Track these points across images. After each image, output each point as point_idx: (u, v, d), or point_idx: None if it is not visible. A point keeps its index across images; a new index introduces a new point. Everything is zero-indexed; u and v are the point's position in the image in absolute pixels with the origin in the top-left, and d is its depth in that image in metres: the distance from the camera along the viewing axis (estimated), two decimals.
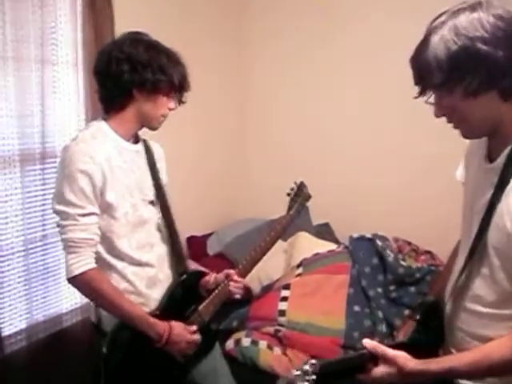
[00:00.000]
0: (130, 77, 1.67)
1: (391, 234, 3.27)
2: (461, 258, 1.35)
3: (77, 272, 1.62)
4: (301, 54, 3.69)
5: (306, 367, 1.20)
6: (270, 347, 2.53)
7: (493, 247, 1.20)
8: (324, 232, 3.62)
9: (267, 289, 2.98)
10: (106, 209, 1.67)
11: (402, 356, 1.22)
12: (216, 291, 1.91)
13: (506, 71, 1.12)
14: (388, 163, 3.47)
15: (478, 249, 1.24)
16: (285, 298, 2.73)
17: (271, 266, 3.30)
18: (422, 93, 1.23)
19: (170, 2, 3.21)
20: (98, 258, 1.70)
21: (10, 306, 2.45)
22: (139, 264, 1.78)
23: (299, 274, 2.88)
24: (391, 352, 1.23)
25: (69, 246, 1.63)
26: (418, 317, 1.51)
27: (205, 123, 3.67)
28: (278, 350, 2.53)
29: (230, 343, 2.58)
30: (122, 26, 2.55)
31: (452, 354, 1.33)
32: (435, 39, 1.15)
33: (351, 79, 3.51)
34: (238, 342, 2.57)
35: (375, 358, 1.24)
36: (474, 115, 1.20)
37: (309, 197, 2.09)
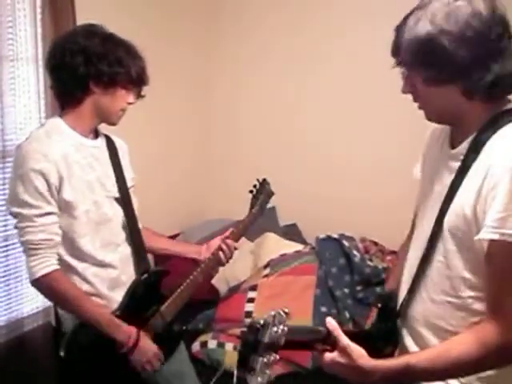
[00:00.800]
0: (86, 69, 1.61)
1: (358, 235, 3.28)
2: (416, 248, 1.33)
3: (39, 274, 1.58)
4: (268, 52, 3.65)
5: (282, 315, 1.17)
6: (236, 349, 2.49)
7: (449, 232, 1.19)
8: (291, 233, 3.60)
9: (234, 290, 2.95)
10: (65, 207, 1.62)
11: (356, 349, 1.13)
12: (178, 290, 1.86)
13: (466, 71, 1.11)
14: (355, 163, 3.46)
15: (437, 234, 1.23)
16: (252, 300, 2.71)
17: (238, 267, 3.27)
18: (398, 64, 1.23)
19: None
20: (59, 260, 1.64)
21: None
22: (101, 265, 1.73)
23: (266, 275, 2.85)
24: (345, 340, 1.14)
25: (29, 249, 1.58)
26: (379, 305, 1.48)
27: (170, 121, 3.62)
28: None
29: (196, 345, 2.55)
30: (84, 20, 2.50)
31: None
32: (413, 19, 1.15)
33: (318, 78, 3.49)
34: (204, 344, 2.55)
35: (333, 342, 1.15)
36: (434, 102, 1.21)
37: (271, 193, 2.05)
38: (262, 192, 2.02)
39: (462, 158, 1.20)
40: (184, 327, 2.01)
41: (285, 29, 3.56)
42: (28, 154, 1.56)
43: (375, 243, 3.15)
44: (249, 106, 3.83)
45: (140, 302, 1.83)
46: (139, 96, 1.78)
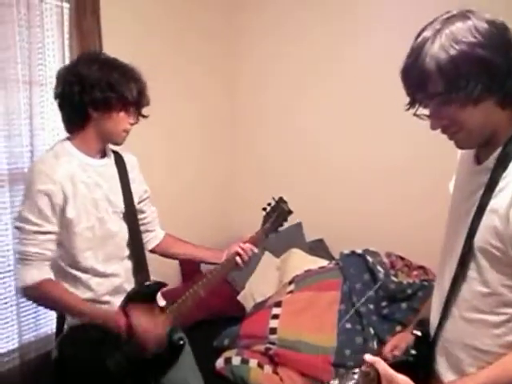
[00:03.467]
0: (82, 97, 1.69)
1: (385, 249, 3.26)
2: (447, 267, 1.32)
3: (30, 283, 1.66)
4: (294, 66, 3.69)
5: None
6: (260, 366, 2.51)
7: (481, 248, 1.18)
8: (318, 248, 3.60)
9: (259, 306, 2.97)
10: (67, 225, 1.71)
11: (403, 379, 1.12)
12: (176, 304, 1.88)
13: (505, 77, 1.11)
14: (383, 179, 3.43)
15: (468, 252, 1.22)
16: (276, 316, 2.71)
17: (264, 283, 3.29)
18: (412, 104, 1.20)
19: (159, 18, 3.21)
20: (62, 271, 1.75)
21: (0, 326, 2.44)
22: (104, 275, 1.81)
23: (291, 291, 2.86)
24: (390, 371, 1.14)
25: (21, 259, 1.68)
26: (419, 333, 1.46)
27: (193, 137, 3.68)
28: (268, 369, 2.51)
29: (220, 362, 2.56)
30: (110, 44, 2.59)
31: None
32: (435, 47, 1.12)
33: (345, 91, 3.48)
34: (228, 360, 2.55)
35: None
36: (473, 124, 1.17)
37: (289, 212, 2.04)
38: (275, 210, 2.02)
39: (489, 173, 1.19)
40: (182, 341, 2.00)
41: (308, 27, 3.56)
42: (35, 174, 1.66)
43: (401, 258, 3.12)
44: (275, 121, 3.84)
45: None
46: (141, 116, 1.83)
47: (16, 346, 2.52)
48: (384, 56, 3.03)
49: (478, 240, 1.19)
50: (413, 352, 1.43)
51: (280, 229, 2.08)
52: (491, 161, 1.20)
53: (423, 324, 1.49)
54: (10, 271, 2.45)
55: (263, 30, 3.78)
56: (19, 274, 1.69)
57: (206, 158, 3.82)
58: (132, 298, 1.82)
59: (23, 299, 2.47)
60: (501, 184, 1.15)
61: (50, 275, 1.71)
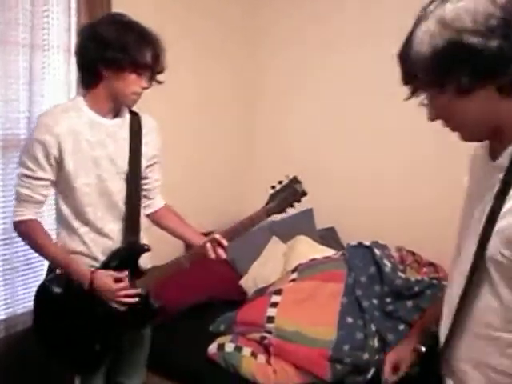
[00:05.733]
0: (94, 54, 1.72)
1: (397, 243, 3.12)
2: (458, 277, 1.19)
3: (17, 219, 1.82)
4: (317, 50, 3.57)
5: None
6: (253, 355, 2.41)
7: (491, 259, 1.07)
8: (328, 237, 3.48)
9: (260, 292, 2.86)
10: (66, 178, 1.79)
11: None
12: (158, 267, 1.97)
13: (503, 63, 0.97)
14: (401, 171, 3.31)
15: (479, 263, 1.10)
16: (275, 304, 2.60)
17: (268, 269, 3.19)
18: (413, 93, 1.09)
19: None
20: (64, 221, 1.87)
21: None
22: (100, 233, 1.89)
23: (293, 280, 2.74)
24: None
25: (16, 197, 1.83)
26: (423, 348, 1.36)
27: (214, 115, 3.59)
28: (262, 358, 2.41)
29: (212, 347, 2.47)
30: (120, 9, 2.46)
31: None
32: (419, 33, 1.01)
33: (363, 82, 3.36)
34: (221, 346, 2.45)
35: None
36: (470, 116, 1.05)
37: (302, 193, 1.84)
38: (285, 190, 1.85)
39: (503, 171, 1.07)
40: (159, 304, 2.05)
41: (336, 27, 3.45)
42: (37, 125, 1.77)
43: (412, 253, 2.97)
44: (295, 104, 3.74)
45: (117, 268, 1.88)
46: (154, 81, 1.83)
47: (2, 317, 2.45)
48: None
49: (490, 249, 1.07)
50: (416, 370, 1.30)
51: (289, 214, 1.92)
52: (505, 158, 1.07)
53: (428, 336, 1.37)
54: None
55: None
56: (13, 211, 1.84)
57: (222, 140, 3.73)
58: (115, 257, 1.92)
59: (12, 269, 2.45)
60: None
61: (36, 217, 1.84)
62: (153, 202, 2.10)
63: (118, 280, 1.84)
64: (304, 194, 1.84)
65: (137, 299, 1.89)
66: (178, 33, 3.03)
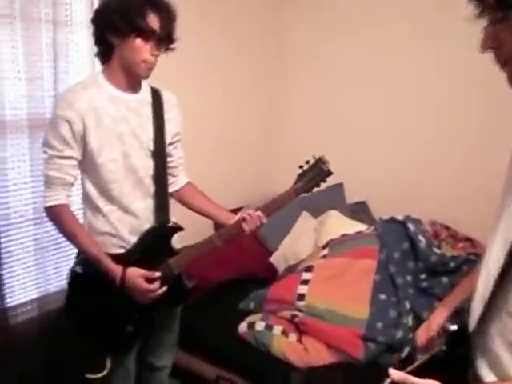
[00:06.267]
0: (102, 21, 1.72)
1: (430, 217, 3.03)
2: (496, 254, 1.11)
3: (47, 204, 1.78)
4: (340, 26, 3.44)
5: None
6: (284, 333, 2.38)
7: None
8: (359, 211, 3.40)
9: (290, 269, 2.82)
10: (90, 154, 1.76)
11: None
12: (191, 247, 1.93)
13: None
14: (435, 143, 3.20)
15: None
16: (306, 281, 2.55)
17: (299, 245, 3.14)
18: (480, 15, 0.98)
19: None
20: (89, 200, 1.85)
21: (19, 275, 2.38)
22: (126, 211, 1.86)
23: (324, 256, 2.69)
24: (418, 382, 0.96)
25: (44, 181, 1.79)
26: (453, 327, 1.28)
27: (237, 92, 3.52)
28: (293, 337, 2.38)
29: (243, 326, 2.44)
30: None
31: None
32: None
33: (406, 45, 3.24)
34: (251, 325, 2.43)
35: None
36: None
37: (328, 173, 1.88)
38: (312, 170, 1.88)
39: None
40: (193, 284, 2.06)
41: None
42: (59, 102, 1.74)
43: (447, 227, 2.88)
44: (319, 79, 3.63)
45: (150, 250, 1.89)
46: (164, 49, 1.78)
47: (35, 296, 2.46)
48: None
49: None
50: (443, 348, 1.23)
51: (319, 188, 1.95)
52: None
53: (459, 314, 1.29)
54: (28, 220, 2.37)
55: None
56: (42, 196, 1.81)
57: (249, 111, 3.66)
58: (147, 238, 1.90)
59: (43, 248, 2.45)
60: None
61: (67, 201, 1.81)
62: (177, 180, 2.06)
63: (149, 279, 1.81)
64: (330, 173, 1.88)
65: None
66: (201, 21, 3.00)
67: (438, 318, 1.44)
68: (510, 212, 1.10)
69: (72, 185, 1.81)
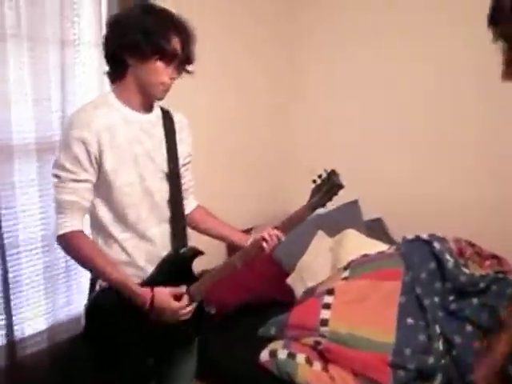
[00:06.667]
0: (115, 41, 1.63)
1: (452, 233, 2.92)
2: None
3: (61, 232, 1.65)
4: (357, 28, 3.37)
5: None
6: (308, 361, 2.25)
7: None
8: (376, 228, 3.29)
9: (310, 292, 2.70)
10: (106, 177, 1.66)
11: None
12: (211, 272, 1.84)
13: None
14: (450, 157, 3.11)
15: None
16: (328, 306, 2.43)
17: (316, 265, 3.03)
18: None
19: None
20: (101, 228, 1.73)
21: (28, 305, 2.29)
22: (142, 237, 1.76)
23: (345, 278, 2.57)
24: None
25: (57, 207, 1.67)
26: None
27: (253, 108, 3.48)
28: (317, 365, 2.25)
29: (265, 354, 2.32)
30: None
31: None
32: None
33: (411, 72, 3.18)
34: (273, 353, 2.30)
35: None
36: None
37: (340, 186, 1.80)
38: (326, 184, 1.82)
39: None
40: (214, 310, 1.96)
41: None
42: (73, 123, 1.64)
43: (471, 244, 2.75)
44: (336, 93, 3.55)
45: (169, 277, 1.78)
46: (184, 71, 1.72)
47: (45, 326, 2.36)
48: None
49: None
50: None
51: (334, 205, 1.88)
52: None
53: None
54: (37, 247, 2.27)
55: None
56: (56, 223, 1.68)
57: (266, 125, 3.60)
58: (165, 265, 1.80)
59: (53, 276, 2.35)
60: None
61: (82, 227, 1.69)
62: (187, 203, 1.97)
63: (177, 297, 1.73)
64: (341, 186, 1.81)
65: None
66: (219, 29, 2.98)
67: (495, 361, 1.34)
68: None
69: (87, 210, 1.70)
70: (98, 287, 1.78)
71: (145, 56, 1.60)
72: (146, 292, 1.68)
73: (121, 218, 1.72)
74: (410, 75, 3.18)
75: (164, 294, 1.70)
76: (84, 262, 1.70)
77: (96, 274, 1.75)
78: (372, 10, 3.27)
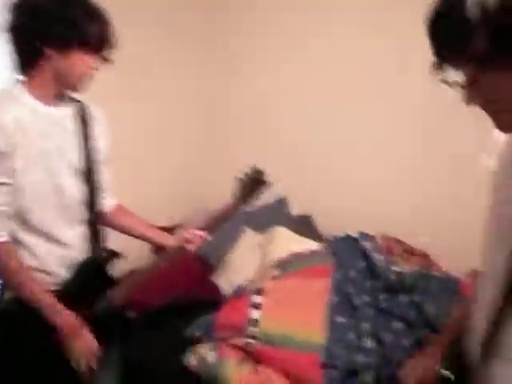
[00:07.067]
0: (37, 32, 1.49)
1: (380, 230, 2.94)
2: (487, 295, 1.01)
3: None
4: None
5: None
6: (238, 364, 2.17)
7: None
8: (305, 225, 3.26)
9: (239, 291, 2.61)
10: (15, 175, 1.53)
11: None
12: (133, 275, 1.83)
13: None
14: (381, 153, 3.12)
15: None
16: (257, 305, 2.36)
17: (244, 263, 2.95)
18: (439, 66, 0.87)
19: None
20: (10, 235, 1.59)
21: None
22: (56, 241, 1.66)
23: (275, 277, 2.51)
24: None
25: None
26: (450, 375, 1.16)
27: (171, 102, 3.37)
28: (248, 367, 2.18)
29: (192, 359, 2.21)
30: None
31: None
32: None
33: (349, 70, 3.14)
34: (201, 357, 2.20)
35: None
36: None
37: (263, 183, 1.88)
38: (250, 181, 1.87)
39: None
40: (132, 316, 1.96)
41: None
42: None
43: (400, 242, 2.78)
44: (257, 88, 3.47)
45: (86, 282, 1.72)
46: (104, 60, 1.62)
47: None
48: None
49: None
50: None
51: (262, 203, 1.97)
52: None
53: (453, 358, 1.16)
54: None
55: None
56: None
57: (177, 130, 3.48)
58: (82, 270, 1.72)
59: None
60: None
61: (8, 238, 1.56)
62: (106, 202, 1.87)
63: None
64: (267, 183, 1.87)
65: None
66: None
67: (428, 361, 1.31)
68: (499, 235, 1.01)
69: (8, 218, 1.56)
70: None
71: (63, 45, 1.51)
72: (74, 322, 1.61)
73: (27, 220, 1.59)
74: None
75: (90, 336, 1.64)
76: (10, 278, 1.61)
77: (19, 291, 1.62)
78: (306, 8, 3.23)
